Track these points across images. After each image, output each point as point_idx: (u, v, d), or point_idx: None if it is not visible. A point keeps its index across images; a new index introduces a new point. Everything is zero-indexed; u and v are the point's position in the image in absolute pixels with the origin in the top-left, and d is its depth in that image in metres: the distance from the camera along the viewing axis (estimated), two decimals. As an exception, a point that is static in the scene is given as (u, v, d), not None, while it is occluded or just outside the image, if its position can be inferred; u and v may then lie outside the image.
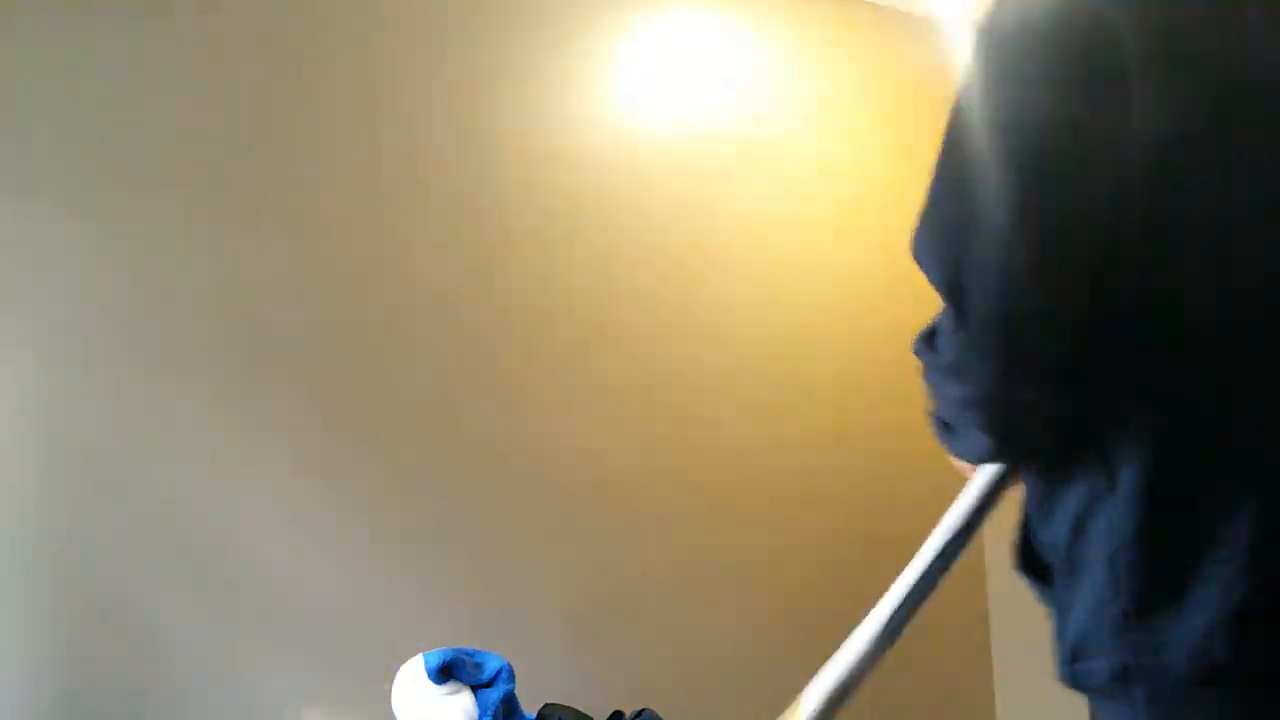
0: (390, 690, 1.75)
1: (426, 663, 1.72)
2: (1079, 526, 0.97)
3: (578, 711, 1.86)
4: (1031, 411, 0.98)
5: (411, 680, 1.73)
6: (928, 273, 0.96)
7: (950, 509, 1.29)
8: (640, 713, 1.87)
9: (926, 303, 1.02)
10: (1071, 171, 0.89)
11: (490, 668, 1.76)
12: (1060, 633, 1.00)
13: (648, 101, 2.82)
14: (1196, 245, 0.91)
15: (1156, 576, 0.91)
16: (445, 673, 1.72)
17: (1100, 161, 0.89)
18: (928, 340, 1.02)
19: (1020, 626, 3.17)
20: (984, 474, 1.20)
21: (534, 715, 1.83)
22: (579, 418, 2.64)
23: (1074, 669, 0.99)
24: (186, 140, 2.20)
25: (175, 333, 2.16)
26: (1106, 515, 0.94)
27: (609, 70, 2.76)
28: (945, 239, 0.95)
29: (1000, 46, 0.94)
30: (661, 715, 1.87)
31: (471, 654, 1.77)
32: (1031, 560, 1.06)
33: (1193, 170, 0.90)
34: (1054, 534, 1.01)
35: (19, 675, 1.96)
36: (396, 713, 1.74)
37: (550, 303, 2.62)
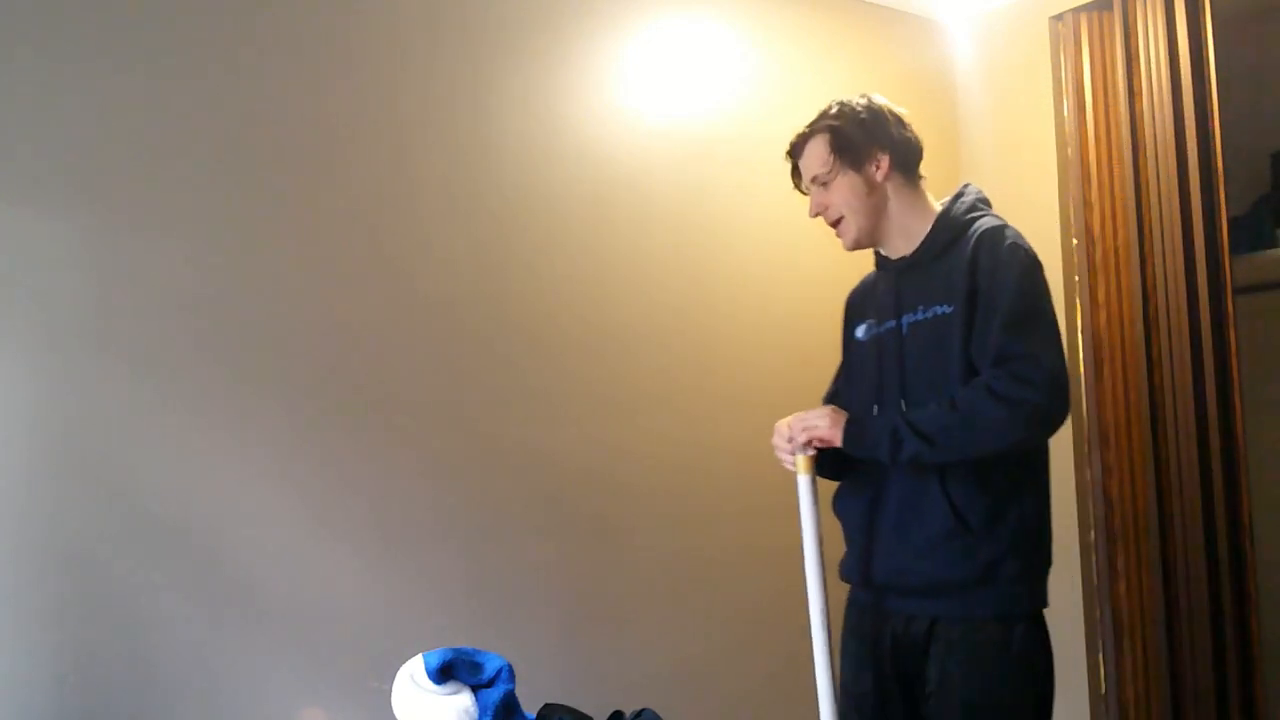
0: (390, 690, 1.75)
1: (426, 663, 1.72)
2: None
3: (578, 711, 1.85)
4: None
5: (411, 680, 1.73)
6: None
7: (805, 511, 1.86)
8: (640, 713, 1.86)
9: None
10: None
11: (490, 668, 1.75)
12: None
13: (648, 102, 2.82)
14: None
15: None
16: (445, 673, 1.71)
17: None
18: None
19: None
20: (809, 483, 1.86)
21: (534, 715, 1.83)
22: (580, 418, 2.64)
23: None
24: (187, 140, 2.19)
25: (176, 332, 2.15)
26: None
27: (609, 71, 2.76)
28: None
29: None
30: (661, 715, 1.86)
31: (471, 654, 1.76)
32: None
33: None
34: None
35: (18, 674, 1.96)
36: (396, 713, 1.73)
37: (549, 304, 2.62)
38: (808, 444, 1.86)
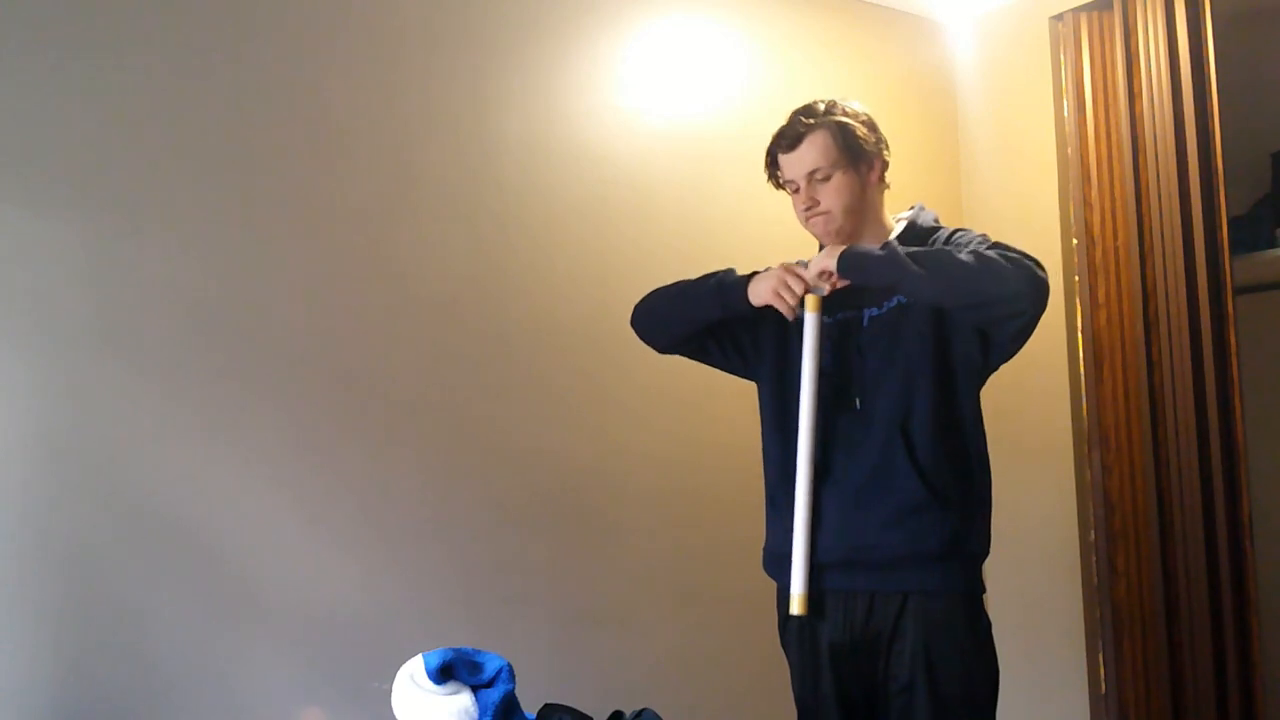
0: (390, 690, 1.75)
1: (426, 663, 1.72)
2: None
3: (578, 711, 1.85)
4: None
5: (411, 680, 1.73)
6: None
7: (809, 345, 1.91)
8: (640, 713, 1.86)
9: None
10: None
11: (490, 668, 1.75)
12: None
13: (648, 102, 2.82)
14: None
15: None
16: (445, 673, 1.71)
17: None
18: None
19: (1020, 627, 3.16)
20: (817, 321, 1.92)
21: (534, 715, 1.83)
22: (580, 416, 2.64)
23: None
24: (186, 140, 2.20)
25: (175, 333, 2.15)
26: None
27: (609, 71, 2.76)
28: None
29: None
30: (661, 715, 1.86)
31: (471, 654, 1.76)
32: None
33: None
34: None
35: (17, 674, 1.96)
36: (396, 713, 1.73)
37: (548, 303, 2.62)
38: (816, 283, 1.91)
